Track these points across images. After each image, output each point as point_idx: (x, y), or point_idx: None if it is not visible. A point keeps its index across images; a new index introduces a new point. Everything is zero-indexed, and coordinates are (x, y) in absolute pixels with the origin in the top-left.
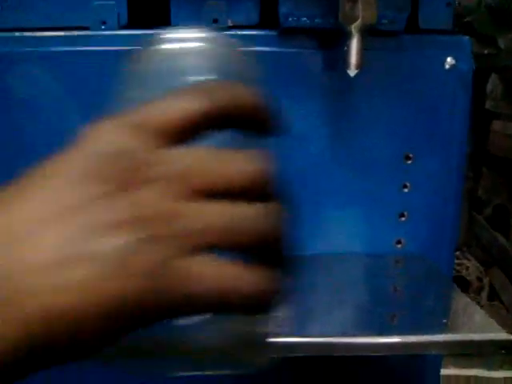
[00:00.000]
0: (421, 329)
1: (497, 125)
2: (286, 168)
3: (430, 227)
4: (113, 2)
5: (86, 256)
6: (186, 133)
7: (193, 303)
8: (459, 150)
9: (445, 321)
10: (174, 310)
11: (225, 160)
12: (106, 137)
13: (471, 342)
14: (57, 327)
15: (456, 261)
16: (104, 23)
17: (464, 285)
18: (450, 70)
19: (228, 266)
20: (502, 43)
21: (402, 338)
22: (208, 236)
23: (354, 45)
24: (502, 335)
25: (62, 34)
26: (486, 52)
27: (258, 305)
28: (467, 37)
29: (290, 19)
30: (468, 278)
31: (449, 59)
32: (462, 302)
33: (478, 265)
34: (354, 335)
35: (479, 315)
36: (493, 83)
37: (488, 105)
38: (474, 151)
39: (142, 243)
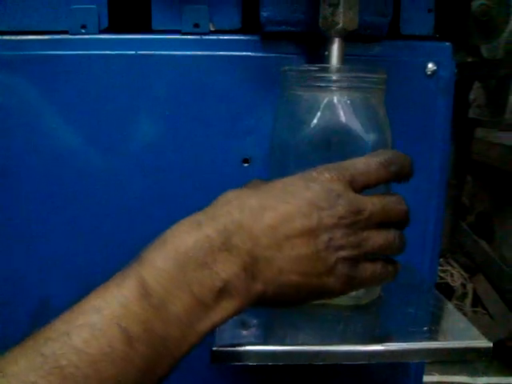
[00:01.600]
0: (403, 337)
1: (480, 133)
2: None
3: (412, 235)
4: (93, 6)
5: (314, 257)
6: (373, 185)
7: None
8: (441, 155)
9: (426, 328)
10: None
11: (390, 203)
12: (326, 180)
13: (453, 350)
14: (281, 290)
15: (440, 268)
16: (84, 27)
17: (448, 291)
18: (431, 75)
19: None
20: (485, 52)
21: (385, 346)
22: (380, 251)
23: (335, 50)
24: (483, 342)
25: (41, 37)
26: (469, 60)
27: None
28: (448, 43)
29: (272, 24)
30: (452, 284)
31: (430, 65)
32: (444, 308)
33: (462, 272)
34: (337, 343)
35: (461, 322)
36: (476, 91)
37: (471, 113)
38: (457, 159)
39: (343, 260)
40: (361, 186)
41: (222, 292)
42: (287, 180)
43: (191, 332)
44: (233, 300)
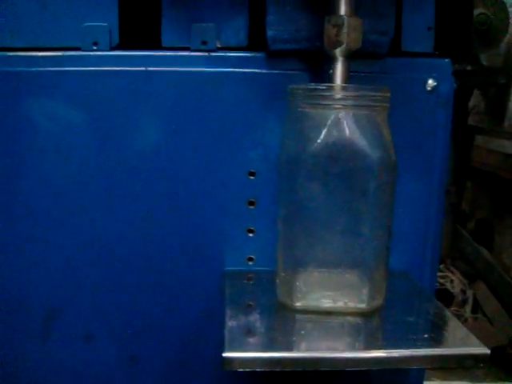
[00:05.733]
0: (404, 344)
1: (479, 140)
2: None
3: (412, 243)
4: (105, 24)
5: None
6: None
7: None
8: (441, 169)
9: (426, 336)
10: None
11: None
12: None
13: (452, 357)
14: None
15: (440, 274)
16: (96, 44)
17: (448, 297)
18: (431, 91)
19: None
20: (484, 60)
21: (386, 353)
22: None
23: (339, 68)
24: (481, 349)
25: (54, 54)
26: (468, 68)
27: None
28: (448, 59)
29: (278, 42)
30: (452, 290)
31: (430, 81)
32: (444, 317)
33: (462, 278)
34: (341, 350)
35: (460, 330)
36: (476, 99)
37: (471, 120)
38: (457, 166)
39: None
40: None
41: None
42: None
43: None
44: None
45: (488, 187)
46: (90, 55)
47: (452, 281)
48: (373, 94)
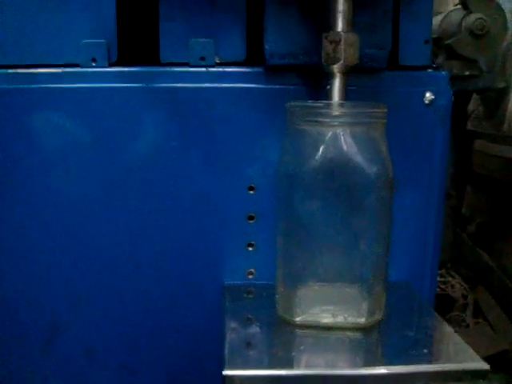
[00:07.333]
0: (404, 360)
1: (479, 144)
2: None
3: (411, 255)
4: (103, 40)
5: None
6: None
7: None
8: (439, 182)
9: (426, 351)
10: None
11: None
12: None
13: (452, 373)
14: None
15: (441, 279)
16: (94, 60)
17: (449, 302)
18: (429, 104)
19: None
20: (482, 65)
21: (386, 369)
22: None
23: (337, 84)
24: (480, 365)
25: (53, 70)
26: (467, 73)
27: None
28: (445, 72)
29: (275, 57)
30: (453, 295)
31: (428, 94)
32: (443, 331)
33: (463, 282)
34: (342, 367)
35: (460, 344)
36: (474, 104)
37: (470, 125)
38: (457, 170)
39: None
40: None
41: None
42: None
43: None
44: None
45: (488, 191)
46: (88, 72)
47: (453, 286)
48: (370, 110)
